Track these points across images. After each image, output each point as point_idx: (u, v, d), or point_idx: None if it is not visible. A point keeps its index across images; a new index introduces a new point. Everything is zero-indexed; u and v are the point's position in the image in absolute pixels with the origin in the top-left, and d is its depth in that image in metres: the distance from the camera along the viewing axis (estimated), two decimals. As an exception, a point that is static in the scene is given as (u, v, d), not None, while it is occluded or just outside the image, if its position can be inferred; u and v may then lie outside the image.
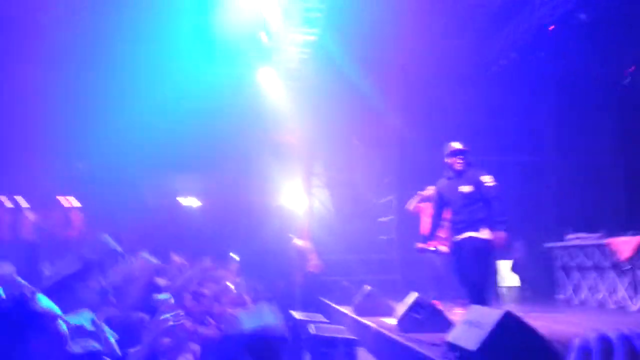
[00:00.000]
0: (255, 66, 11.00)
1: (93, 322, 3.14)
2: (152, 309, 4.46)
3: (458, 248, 5.11)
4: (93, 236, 5.98)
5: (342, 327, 5.74)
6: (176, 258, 5.80)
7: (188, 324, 4.08)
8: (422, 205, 7.29)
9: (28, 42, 9.46)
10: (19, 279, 4.40)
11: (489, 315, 4.06)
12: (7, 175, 9.45)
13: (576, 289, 8.09)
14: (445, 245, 6.93)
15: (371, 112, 11.09)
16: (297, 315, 6.27)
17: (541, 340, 4.08)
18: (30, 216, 8.09)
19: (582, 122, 10.81)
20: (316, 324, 5.31)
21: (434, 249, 6.18)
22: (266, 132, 11.36)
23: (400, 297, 6.04)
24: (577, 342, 0.93)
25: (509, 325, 3.91)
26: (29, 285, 3.74)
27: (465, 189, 5.06)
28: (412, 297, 5.62)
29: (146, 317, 3.88)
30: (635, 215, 8.39)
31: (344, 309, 7.12)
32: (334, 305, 7.85)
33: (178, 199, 12.24)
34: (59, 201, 10.19)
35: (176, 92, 10.07)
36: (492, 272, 7.51)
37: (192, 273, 5.53)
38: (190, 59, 9.92)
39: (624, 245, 7.01)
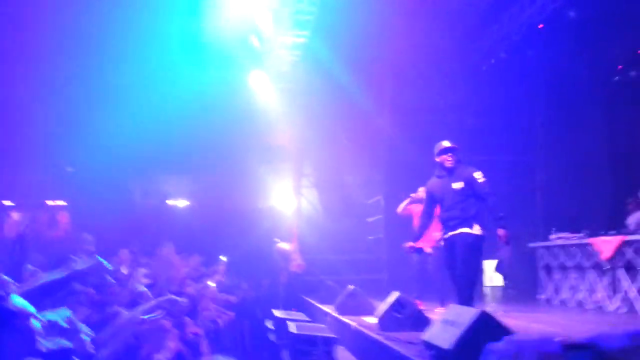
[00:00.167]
0: (246, 69, 11.04)
1: (68, 320, 3.19)
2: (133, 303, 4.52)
3: (451, 244, 5.13)
4: (77, 236, 6.01)
5: (322, 325, 5.79)
6: (164, 251, 5.84)
7: (167, 323, 4.13)
8: (412, 207, 7.32)
9: (18, 45, 9.45)
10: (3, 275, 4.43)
11: (464, 315, 4.12)
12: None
13: (557, 289, 8.18)
14: (433, 244, 7.01)
15: (360, 113, 11.14)
16: (278, 314, 6.33)
17: (515, 338, 4.14)
18: (15, 216, 8.10)
19: (570, 121, 10.90)
20: (297, 323, 5.36)
21: (419, 247, 6.18)
22: (256, 133, 11.39)
23: (387, 296, 6.08)
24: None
25: (484, 325, 3.96)
26: (13, 282, 3.78)
27: (457, 185, 5.11)
28: (394, 296, 5.67)
29: (124, 312, 3.93)
30: (620, 215, 8.47)
31: (327, 308, 7.17)
32: (317, 304, 7.90)
33: (168, 201, 12.26)
34: (44, 203, 10.20)
35: (167, 94, 10.09)
36: (481, 270, 7.58)
37: (175, 272, 5.58)
38: (181, 62, 9.96)
39: (605, 245, 7.10)
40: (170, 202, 12.32)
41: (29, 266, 4.87)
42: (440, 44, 10.96)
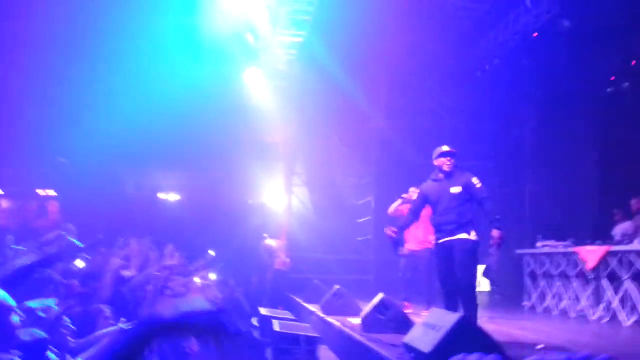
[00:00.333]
0: (241, 65, 11.04)
1: (47, 310, 3.18)
2: (120, 301, 4.52)
3: (447, 249, 5.08)
4: (61, 226, 6.00)
5: (306, 325, 5.82)
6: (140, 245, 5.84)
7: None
8: (403, 208, 7.30)
9: (11, 35, 9.40)
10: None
11: (445, 319, 4.16)
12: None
13: (541, 296, 8.26)
14: (424, 245, 7.05)
15: (354, 113, 11.19)
16: (264, 311, 6.36)
17: (494, 345, 4.19)
18: (4, 203, 8.07)
19: (561, 130, 10.98)
20: (280, 321, 5.39)
21: (397, 238, 5.76)
22: (249, 130, 11.41)
23: (373, 297, 6.09)
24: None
25: (464, 330, 4.01)
26: None
27: (455, 189, 5.10)
28: (378, 297, 5.71)
29: (106, 309, 3.93)
30: (606, 225, 8.55)
31: (313, 307, 7.20)
32: (303, 303, 7.93)
33: (159, 194, 12.26)
34: (35, 192, 10.18)
35: (161, 87, 10.07)
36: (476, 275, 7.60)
37: (157, 268, 5.57)
38: (176, 56, 9.94)
39: (590, 254, 7.16)
40: (161, 195, 12.31)
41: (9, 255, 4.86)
42: (436, 47, 11.02)
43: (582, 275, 7.44)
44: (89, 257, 4.66)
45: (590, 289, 7.28)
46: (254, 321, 6.87)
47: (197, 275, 6.27)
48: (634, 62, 9.94)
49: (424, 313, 6.38)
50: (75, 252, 4.37)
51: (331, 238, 11.06)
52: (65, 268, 4.28)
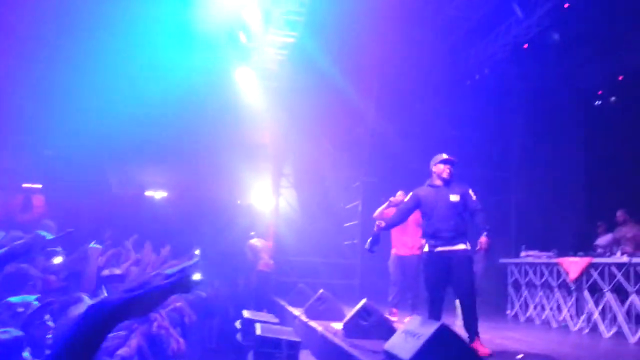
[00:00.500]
0: (232, 64, 11.00)
1: (26, 306, 3.15)
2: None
3: (445, 258, 5.03)
4: (40, 223, 5.95)
5: (289, 328, 5.82)
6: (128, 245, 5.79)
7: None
8: (388, 211, 7.29)
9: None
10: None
11: (425, 327, 4.19)
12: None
13: (524, 306, 8.33)
14: (413, 251, 7.05)
15: (344, 117, 11.21)
16: (247, 314, 6.34)
17: (473, 354, 4.23)
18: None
19: (548, 141, 11.10)
20: (263, 324, 5.38)
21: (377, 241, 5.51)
22: (239, 130, 11.37)
23: (359, 302, 6.08)
24: None
25: (443, 338, 4.03)
26: None
27: (454, 198, 5.10)
28: (361, 303, 5.73)
29: (86, 297, 3.90)
30: (590, 237, 8.65)
31: (297, 311, 7.20)
32: (287, 306, 7.93)
33: (146, 192, 12.19)
34: (20, 185, 10.09)
35: (150, 83, 10.01)
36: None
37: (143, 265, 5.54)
38: (165, 52, 9.87)
39: (572, 266, 7.23)
40: (148, 192, 12.25)
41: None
42: (427, 55, 11.07)
43: (564, 285, 7.52)
44: (59, 250, 4.62)
45: (572, 300, 7.36)
46: (237, 324, 6.85)
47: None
48: (621, 77, 10.07)
49: (407, 319, 6.40)
50: (43, 245, 4.33)
51: (318, 241, 11.05)
52: (44, 263, 4.25)
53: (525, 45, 9.76)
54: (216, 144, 11.19)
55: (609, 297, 6.62)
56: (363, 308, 5.57)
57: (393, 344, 4.36)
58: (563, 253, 7.68)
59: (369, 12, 9.34)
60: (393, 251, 7.28)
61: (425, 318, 4.84)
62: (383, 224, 5.29)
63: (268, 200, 11.63)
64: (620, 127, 9.91)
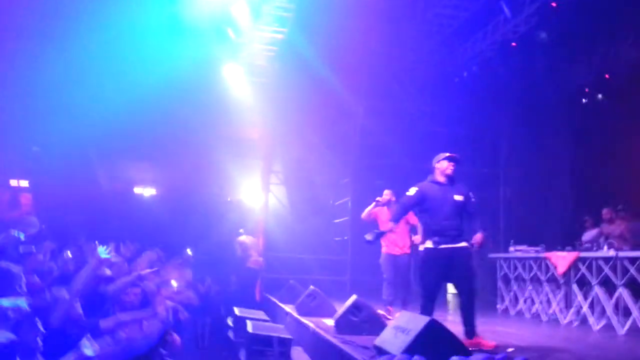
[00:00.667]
0: (221, 60, 10.94)
1: (17, 310, 3.12)
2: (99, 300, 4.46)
3: (448, 256, 5.03)
4: (23, 219, 5.90)
5: (280, 326, 5.82)
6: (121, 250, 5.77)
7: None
8: (376, 211, 7.29)
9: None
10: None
11: (415, 322, 4.20)
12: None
13: (513, 300, 8.41)
14: (407, 250, 7.08)
15: (333, 113, 11.22)
16: (238, 311, 6.34)
17: (463, 348, 4.25)
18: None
19: (536, 138, 11.19)
20: (254, 322, 5.38)
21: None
22: (227, 126, 11.33)
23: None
24: None
25: (433, 333, 4.06)
26: None
27: (459, 197, 5.11)
28: (351, 299, 5.74)
29: (66, 294, 3.86)
30: (577, 232, 8.73)
31: (288, 308, 7.20)
32: (279, 303, 7.93)
33: (135, 189, 12.10)
34: (8, 182, 9.96)
35: (139, 78, 9.91)
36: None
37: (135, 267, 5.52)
38: (153, 48, 9.78)
39: (560, 260, 7.31)
40: (137, 189, 12.16)
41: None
42: (416, 52, 11.13)
43: (553, 279, 7.60)
44: (34, 249, 4.58)
45: (561, 294, 7.44)
46: (229, 321, 6.84)
47: (173, 276, 6.20)
48: (607, 75, 10.17)
49: (398, 314, 6.43)
50: (15, 244, 4.30)
51: (308, 238, 11.06)
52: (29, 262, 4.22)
53: (514, 44, 9.83)
54: (205, 140, 11.14)
55: (597, 290, 6.70)
56: (353, 304, 5.59)
57: (383, 339, 4.37)
58: (551, 248, 7.76)
59: (358, 9, 9.35)
60: (384, 250, 7.24)
61: (416, 313, 4.86)
62: (393, 225, 5.30)
63: (257, 197, 11.59)
64: (607, 125, 10.01)
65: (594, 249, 7.06)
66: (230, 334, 6.48)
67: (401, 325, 4.27)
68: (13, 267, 3.60)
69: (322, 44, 9.98)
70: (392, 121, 11.24)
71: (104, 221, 9.62)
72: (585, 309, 6.93)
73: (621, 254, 6.36)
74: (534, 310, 7.92)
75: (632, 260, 6.19)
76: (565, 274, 7.25)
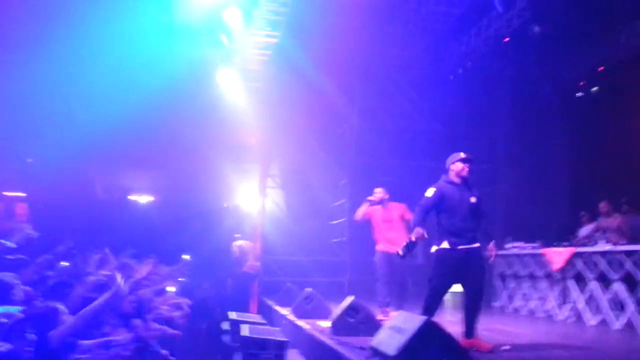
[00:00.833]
0: (215, 66, 10.96)
1: (9, 317, 3.11)
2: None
3: (463, 257, 4.97)
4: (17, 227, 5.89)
5: (276, 328, 5.81)
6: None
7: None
8: (370, 210, 7.23)
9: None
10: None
11: (410, 322, 4.19)
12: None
13: (511, 297, 8.39)
14: (392, 248, 7.02)
15: (329, 115, 11.22)
16: (234, 315, 6.33)
17: (459, 348, 4.24)
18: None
19: (532, 133, 11.18)
20: (250, 326, 5.37)
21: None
22: (223, 131, 11.33)
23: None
24: None
25: (429, 333, 4.04)
26: None
27: (474, 200, 5.08)
28: (348, 300, 5.73)
29: (64, 309, 3.85)
30: (574, 227, 8.72)
31: (284, 311, 7.19)
32: (275, 306, 7.92)
33: (130, 196, 12.10)
34: (1, 194, 9.97)
35: (133, 85, 9.93)
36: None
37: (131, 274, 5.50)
38: (148, 55, 9.80)
39: (556, 256, 7.30)
40: (132, 197, 12.16)
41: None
42: (409, 50, 11.13)
43: (550, 276, 7.58)
44: (24, 257, 4.57)
45: (558, 290, 7.43)
46: (225, 325, 6.82)
47: (169, 283, 6.18)
48: (601, 68, 10.17)
49: (393, 314, 6.40)
50: (4, 253, 4.29)
51: (305, 240, 11.05)
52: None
53: (507, 39, 9.83)
54: (201, 146, 11.16)
55: (594, 285, 6.69)
56: (350, 306, 5.58)
57: (379, 340, 4.36)
58: (548, 244, 7.74)
59: (351, 9, 9.36)
60: (380, 247, 7.16)
61: (418, 312, 4.83)
62: (422, 231, 5.04)
63: (255, 201, 11.59)
64: (603, 118, 10.00)
65: (591, 243, 7.05)
66: (226, 338, 6.46)
67: (397, 325, 4.26)
68: (4, 276, 3.59)
69: (315, 46, 9.97)
70: (387, 120, 11.24)
71: (99, 229, 9.61)
72: (581, 305, 6.91)
73: (617, 248, 6.35)
74: (531, 307, 7.91)
75: (629, 254, 6.18)
76: (562, 270, 7.24)
